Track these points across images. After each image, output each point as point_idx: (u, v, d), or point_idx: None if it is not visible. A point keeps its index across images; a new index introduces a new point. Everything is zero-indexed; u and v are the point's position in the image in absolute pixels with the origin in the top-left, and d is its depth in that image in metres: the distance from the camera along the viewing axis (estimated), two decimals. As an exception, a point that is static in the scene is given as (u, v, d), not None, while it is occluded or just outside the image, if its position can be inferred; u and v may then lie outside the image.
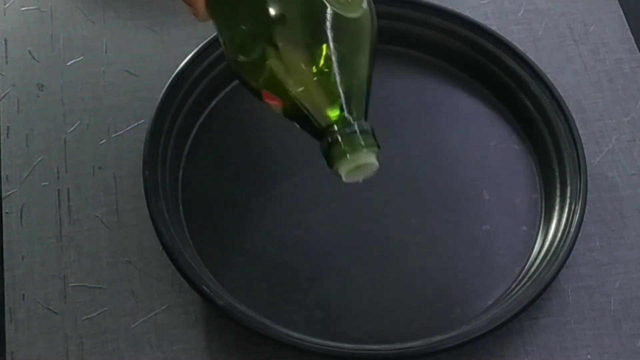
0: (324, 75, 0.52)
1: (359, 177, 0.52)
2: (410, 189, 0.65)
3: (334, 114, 0.51)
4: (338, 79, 0.52)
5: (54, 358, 0.58)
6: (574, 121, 0.65)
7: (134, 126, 0.67)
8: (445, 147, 0.67)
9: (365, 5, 0.54)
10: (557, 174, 0.64)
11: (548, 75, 0.67)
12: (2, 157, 0.65)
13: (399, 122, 0.68)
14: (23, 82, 0.68)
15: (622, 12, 0.74)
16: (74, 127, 0.67)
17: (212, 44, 0.66)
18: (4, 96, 0.68)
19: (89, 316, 0.60)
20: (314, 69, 0.52)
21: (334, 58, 0.52)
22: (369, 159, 0.51)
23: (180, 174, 0.64)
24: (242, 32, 0.54)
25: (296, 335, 0.57)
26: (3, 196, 0.64)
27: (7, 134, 0.66)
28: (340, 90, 0.52)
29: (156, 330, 0.59)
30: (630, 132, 0.69)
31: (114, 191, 0.64)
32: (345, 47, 0.53)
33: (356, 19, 0.53)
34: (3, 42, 0.70)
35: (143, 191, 0.60)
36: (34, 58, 0.69)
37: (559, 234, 0.61)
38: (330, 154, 0.51)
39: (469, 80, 0.69)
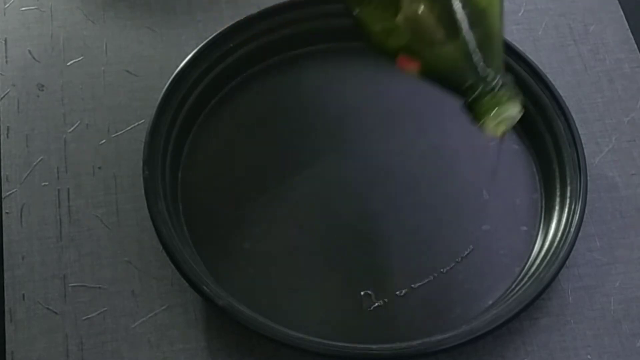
0: (459, 36, 0.53)
1: (503, 128, 0.54)
2: (410, 189, 0.65)
3: (472, 72, 0.53)
4: (472, 36, 0.53)
5: (54, 358, 0.58)
6: (574, 121, 0.65)
7: (134, 126, 0.67)
8: (445, 147, 0.67)
9: None
10: (557, 174, 0.64)
11: (548, 75, 0.67)
12: (2, 157, 0.65)
13: (399, 122, 0.68)
14: (23, 82, 0.68)
15: (622, 12, 0.74)
16: (74, 127, 0.67)
17: (212, 43, 0.66)
18: (4, 96, 0.68)
19: (89, 316, 0.60)
20: (449, 31, 0.53)
21: (471, 16, 0.53)
22: (511, 110, 0.53)
23: (180, 174, 0.64)
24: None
25: (296, 335, 0.57)
26: (3, 196, 0.64)
27: (7, 134, 0.66)
28: (481, 46, 0.53)
29: (156, 330, 0.59)
30: (630, 132, 0.69)
31: (114, 191, 0.64)
32: (475, 2, 0.54)
33: None
34: (3, 42, 0.70)
35: (143, 191, 0.60)
36: (34, 58, 0.69)
37: (559, 234, 0.61)
38: (476, 110, 0.53)
39: (469, 80, 0.69)
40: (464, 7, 0.53)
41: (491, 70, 0.53)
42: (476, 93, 0.53)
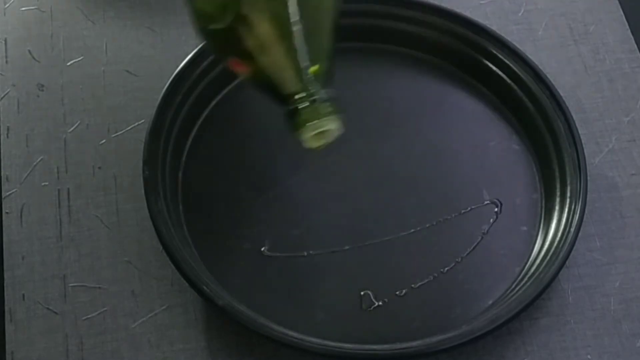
0: (288, 45, 0.55)
1: (322, 142, 0.56)
2: (410, 189, 0.65)
3: (297, 82, 0.55)
4: (301, 48, 0.55)
5: (54, 358, 0.58)
6: (574, 121, 0.65)
7: (134, 126, 0.67)
8: (445, 147, 0.67)
9: None
10: (557, 174, 0.64)
11: (548, 75, 0.67)
12: (2, 157, 0.65)
13: (399, 122, 0.68)
14: (23, 82, 0.68)
15: (622, 12, 0.74)
16: (74, 127, 0.67)
17: (212, 44, 0.66)
18: (4, 96, 0.68)
19: (89, 316, 0.60)
20: (279, 39, 0.55)
21: (297, 28, 0.55)
22: (330, 125, 0.55)
23: (180, 174, 0.64)
24: (211, 1, 0.56)
25: (296, 335, 0.57)
26: (3, 196, 0.64)
27: (7, 134, 0.66)
28: (303, 59, 0.55)
29: (156, 330, 0.59)
30: (630, 132, 0.69)
31: (114, 191, 0.64)
32: (308, 16, 0.55)
33: None
34: (3, 42, 0.70)
35: (143, 191, 0.60)
36: (34, 58, 0.69)
37: (559, 234, 0.61)
38: (293, 121, 0.54)
39: (469, 80, 0.69)
40: (298, 21, 0.55)
41: (316, 83, 0.55)
42: (298, 103, 0.54)
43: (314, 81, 0.55)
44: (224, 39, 0.57)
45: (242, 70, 0.57)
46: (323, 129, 0.55)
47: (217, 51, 0.58)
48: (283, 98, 0.55)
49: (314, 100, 0.54)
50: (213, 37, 0.57)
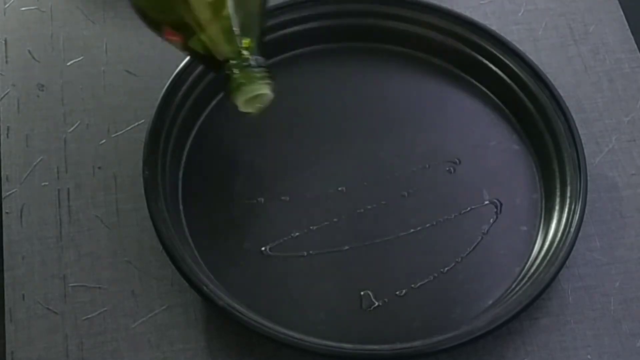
0: (220, 13, 0.57)
1: (256, 107, 0.58)
2: (410, 189, 0.65)
3: (230, 48, 0.57)
4: (233, 15, 0.57)
5: (54, 358, 0.58)
6: (574, 121, 0.65)
7: (134, 126, 0.67)
8: (445, 147, 0.67)
9: None
10: (557, 174, 0.64)
11: (548, 75, 0.67)
12: (2, 157, 0.65)
13: (399, 122, 0.68)
14: (23, 82, 0.68)
15: (622, 12, 0.74)
16: (74, 127, 0.67)
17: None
18: (4, 96, 0.68)
19: (89, 316, 0.60)
20: (211, 7, 0.57)
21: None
22: (263, 90, 0.57)
23: (180, 174, 0.64)
24: None
25: (296, 335, 0.57)
26: (3, 196, 0.64)
27: (7, 134, 0.66)
28: (236, 26, 0.57)
29: (156, 330, 0.59)
30: (630, 132, 0.69)
31: (114, 191, 0.64)
32: None
33: None
34: (3, 42, 0.70)
35: (143, 191, 0.60)
36: (34, 58, 0.69)
37: (559, 234, 0.61)
38: (228, 86, 0.57)
39: (469, 80, 0.69)
40: None
41: (247, 50, 0.57)
42: (231, 68, 0.57)
43: (246, 48, 0.57)
44: (156, 10, 0.59)
45: (176, 40, 0.59)
46: (255, 93, 0.57)
47: (151, 23, 0.60)
48: (217, 64, 0.57)
49: (246, 66, 0.57)
50: (146, 9, 0.59)
